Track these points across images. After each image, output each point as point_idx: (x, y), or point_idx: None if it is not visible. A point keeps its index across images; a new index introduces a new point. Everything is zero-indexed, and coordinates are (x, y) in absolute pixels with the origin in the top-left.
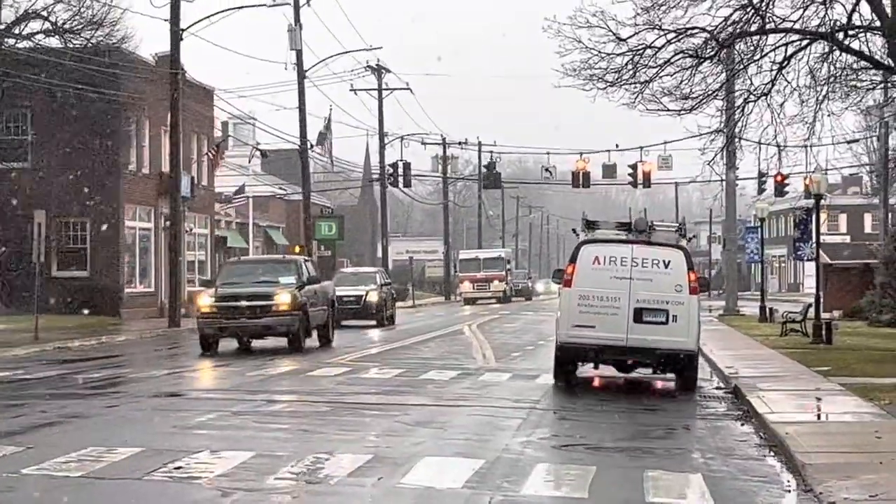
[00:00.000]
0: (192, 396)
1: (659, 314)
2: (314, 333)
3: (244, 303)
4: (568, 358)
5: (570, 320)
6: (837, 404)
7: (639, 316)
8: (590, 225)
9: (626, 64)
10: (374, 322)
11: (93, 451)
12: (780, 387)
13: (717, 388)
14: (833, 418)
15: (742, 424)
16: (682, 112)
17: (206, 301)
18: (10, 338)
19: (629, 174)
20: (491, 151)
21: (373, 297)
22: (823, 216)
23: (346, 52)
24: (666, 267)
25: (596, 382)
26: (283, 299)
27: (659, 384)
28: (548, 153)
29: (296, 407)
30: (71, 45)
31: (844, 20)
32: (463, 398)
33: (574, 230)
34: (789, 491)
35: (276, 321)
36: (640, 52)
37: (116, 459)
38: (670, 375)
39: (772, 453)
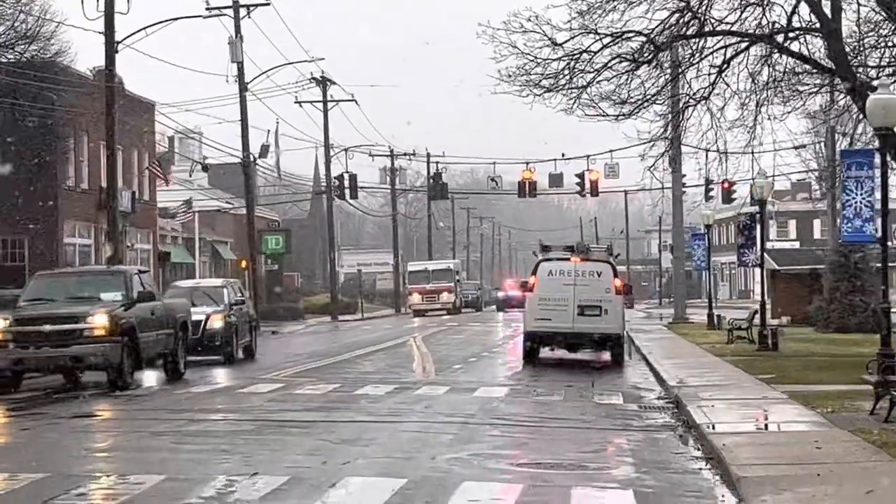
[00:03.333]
0: (109, 417)
1: (595, 309)
2: (155, 363)
3: (48, 327)
4: (533, 342)
5: (534, 315)
6: (779, 413)
7: (581, 311)
8: (545, 248)
9: (563, 69)
10: (219, 356)
11: None
12: (723, 396)
13: (659, 399)
14: (773, 428)
15: (680, 436)
16: (621, 117)
17: None
18: None
19: (577, 183)
20: (437, 162)
21: (216, 323)
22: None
23: (288, 64)
24: (599, 276)
25: (533, 395)
26: (98, 321)
27: (605, 397)
28: (493, 163)
29: (218, 426)
30: (3, 60)
31: (784, 22)
32: (395, 413)
33: (533, 252)
34: None
35: (89, 350)
36: (577, 56)
37: (17, 486)
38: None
39: (708, 466)
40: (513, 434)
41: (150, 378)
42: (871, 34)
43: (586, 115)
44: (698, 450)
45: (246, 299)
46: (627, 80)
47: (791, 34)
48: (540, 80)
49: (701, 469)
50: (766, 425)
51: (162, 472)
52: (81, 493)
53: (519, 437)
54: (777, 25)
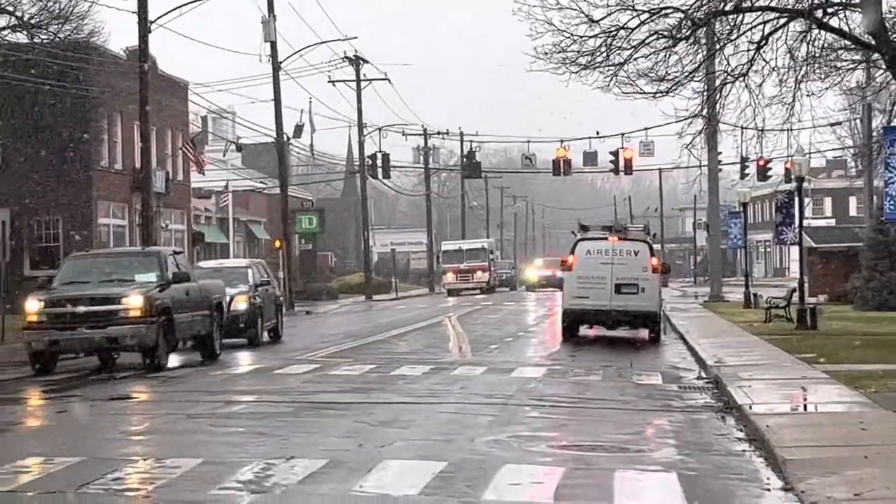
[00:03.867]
0: (145, 399)
1: (632, 287)
2: (190, 345)
3: (82, 308)
4: (571, 319)
5: (572, 293)
6: (822, 393)
7: (618, 289)
8: (583, 228)
9: (599, 46)
10: (244, 339)
11: (30, 461)
12: (763, 376)
13: (699, 379)
14: (816, 409)
15: (722, 417)
16: (658, 95)
17: (33, 306)
18: None
19: (611, 161)
20: (471, 141)
21: (240, 305)
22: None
23: (321, 43)
24: (635, 255)
25: (571, 375)
26: (134, 302)
27: (644, 377)
28: (528, 141)
29: (255, 408)
30: (38, 41)
31: None
32: (433, 394)
33: (572, 231)
34: (768, 490)
35: (124, 331)
36: (613, 33)
37: (53, 471)
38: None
39: (752, 448)
40: (552, 415)
41: (185, 359)
42: None
43: (623, 92)
44: (741, 431)
45: (271, 280)
46: (665, 56)
47: (830, 9)
48: (576, 58)
49: (744, 451)
50: (808, 406)
51: (199, 456)
52: (117, 477)
53: (558, 419)
54: (816, 0)
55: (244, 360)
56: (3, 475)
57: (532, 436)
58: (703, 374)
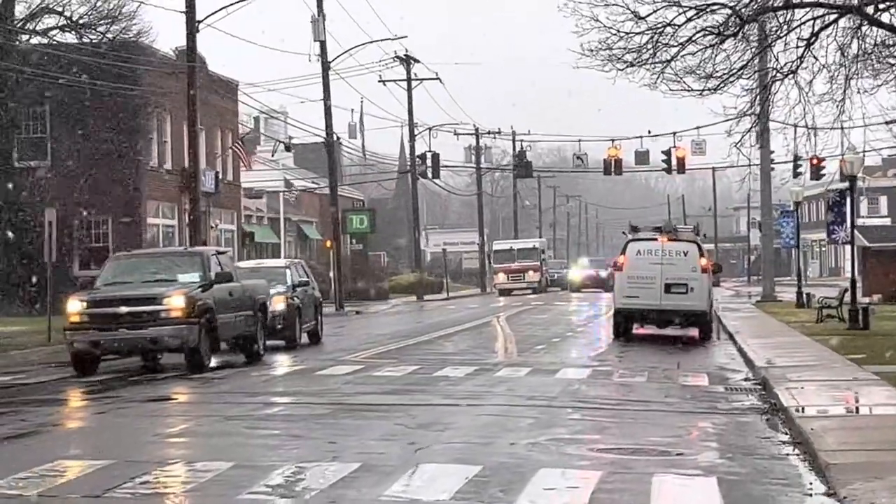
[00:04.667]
0: (184, 400)
1: (681, 287)
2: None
3: (124, 308)
4: (622, 317)
5: (622, 293)
6: (870, 395)
7: (668, 288)
8: (634, 229)
9: (646, 43)
10: (281, 340)
11: (59, 464)
12: (811, 377)
13: (746, 380)
14: (864, 411)
15: (767, 419)
16: (706, 92)
17: (75, 307)
18: (26, 340)
19: (663, 160)
20: (522, 140)
21: (278, 306)
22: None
23: (371, 42)
24: (685, 255)
25: (616, 376)
26: (176, 303)
27: (691, 379)
28: (579, 140)
29: (293, 410)
30: (87, 41)
31: None
32: (474, 396)
33: (623, 232)
34: (810, 495)
35: (166, 332)
36: (660, 30)
37: (82, 474)
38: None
39: (796, 451)
40: (594, 418)
41: (228, 360)
42: None
43: (670, 90)
44: (786, 434)
45: (311, 280)
46: (712, 53)
47: (882, 5)
48: (623, 55)
49: (788, 455)
50: (856, 408)
51: (231, 459)
52: (145, 480)
53: (600, 421)
54: None
55: (287, 361)
56: (31, 478)
57: (571, 438)
58: (751, 376)
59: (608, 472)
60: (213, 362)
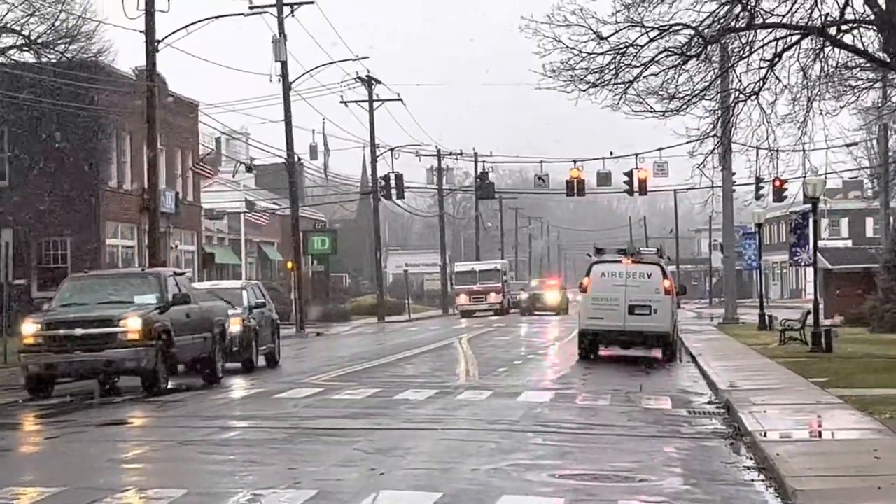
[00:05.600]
0: (139, 424)
1: (645, 308)
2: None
3: (79, 330)
4: (586, 339)
5: (587, 314)
6: (835, 420)
7: (632, 310)
8: (598, 251)
9: (608, 63)
10: (237, 363)
11: (9, 491)
12: (775, 400)
13: (709, 403)
14: (829, 436)
15: (731, 444)
16: (669, 113)
17: (30, 329)
18: None
19: (624, 181)
20: (484, 161)
21: (234, 328)
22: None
23: (332, 63)
24: (648, 277)
25: (579, 399)
26: (132, 325)
27: (654, 402)
28: (541, 162)
29: (250, 434)
30: (45, 60)
31: (837, 14)
32: (435, 420)
33: (588, 254)
34: None
35: (122, 354)
36: (623, 50)
37: (32, 502)
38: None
39: (761, 477)
40: (556, 442)
41: (186, 383)
42: None
43: (633, 111)
44: (751, 459)
45: (268, 302)
46: (675, 74)
47: (844, 26)
48: (585, 76)
49: (753, 480)
50: (820, 433)
51: (185, 486)
52: None
53: (563, 446)
54: (829, 17)
55: (245, 384)
56: None
57: (533, 464)
58: (715, 399)
59: (571, 500)
60: (171, 385)
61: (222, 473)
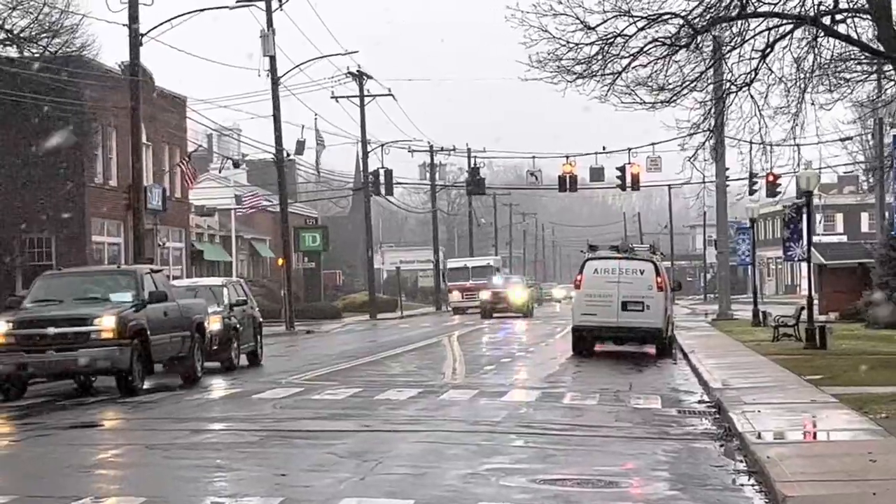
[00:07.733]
0: (109, 427)
1: (637, 305)
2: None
3: (52, 329)
4: (580, 336)
5: (580, 311)
6: (829, 420)
7: (625, 306)
8: (592, 248)
9: (596, 54)
10: (216, 362)
11: None
12: (768, 399)
13: (700, 402)
14: (822, 437)
15: (721, 445)
16: (658, 105)
17: (1, 328)
18: None
19: (617, 177)
20: (476, 157)
21: (213, 326)
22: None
23: (322, 57)
24: (641, 274)
25: (566, 398)
26: (106, 323)
27: (643, 401)
28: (533, 157)
29: (221, 437)
30: (28, 54)
31: (831, 3)
32: (415, 421)
33: (582, 250)
34: None
35: (96, 354)
36: (611, 40)
37: None
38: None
39: (751, 482)
40: (539, 444)
41: (163, 383)
42: None
43: (622, 102)
44: (741, 461)
45: (249, 299)
46: (665, 65)
47: (838, 16)
48: (572, 66)
49: (743, 485)
50: (814, 434)
51: (144, 494)
52: None
53: (545, 448)
54: (823, 6)
55: (224, 384)
56: None
57: (514, 468)
58: (706, 398)
59: None
60: (148, 385)
61: (186, 479)
